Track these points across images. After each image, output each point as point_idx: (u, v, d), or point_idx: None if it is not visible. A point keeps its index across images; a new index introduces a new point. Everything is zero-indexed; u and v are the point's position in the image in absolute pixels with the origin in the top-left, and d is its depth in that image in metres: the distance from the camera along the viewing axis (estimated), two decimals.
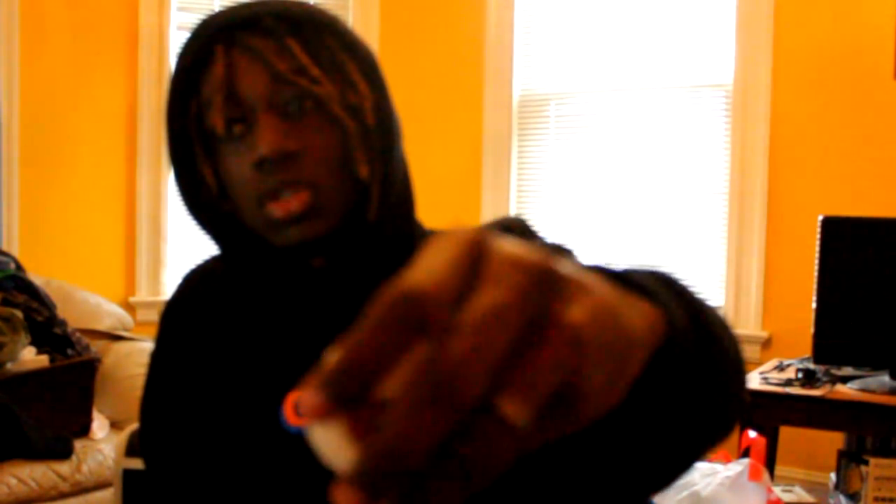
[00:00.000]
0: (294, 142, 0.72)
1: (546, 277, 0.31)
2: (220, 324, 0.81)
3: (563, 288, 0.31)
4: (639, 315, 0.37)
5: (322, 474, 0.72)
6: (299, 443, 0.72)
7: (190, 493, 0.77)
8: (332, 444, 0.31)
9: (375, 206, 0.76)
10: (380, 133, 0.76)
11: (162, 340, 0.85)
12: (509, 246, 0.31)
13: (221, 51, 0.73)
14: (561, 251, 0.76)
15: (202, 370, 0.80)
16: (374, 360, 0.29)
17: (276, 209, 0.73)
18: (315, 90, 0.73)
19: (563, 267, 0.32)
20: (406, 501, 0.29)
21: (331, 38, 0.75)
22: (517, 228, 0.82)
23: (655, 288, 0.43)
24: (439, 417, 0.28)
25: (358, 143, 0.75)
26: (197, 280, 0.87)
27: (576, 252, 0.77)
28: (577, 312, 0.31)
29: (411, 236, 0.81)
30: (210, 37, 0.74)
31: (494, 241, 0.31)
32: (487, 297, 0.29)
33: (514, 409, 0.29)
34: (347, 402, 0.30)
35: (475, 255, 0.31)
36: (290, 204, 0.72)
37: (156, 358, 0.85)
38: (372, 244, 0.77)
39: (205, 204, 0.78)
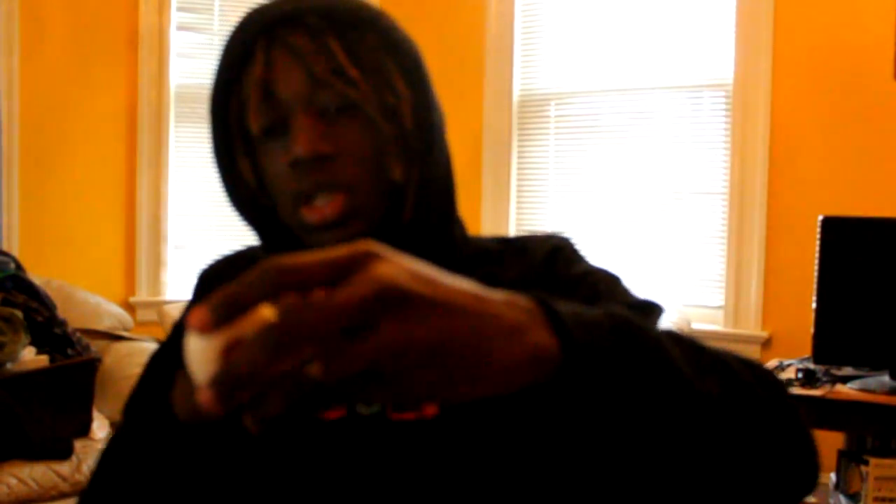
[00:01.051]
0: (329, 144, 0.72)
1: (393, 301, 0.41)
2: None
3: (407, 310, 0.41)
4: (517, 345, 0.45)
5: (325, 479, 0.72)
6: (313, 441, 0.73)
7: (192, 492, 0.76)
8: (201, 355, 0.44)
9: (410, 207, 0.76)
10: (418, 135, 0.75)
11: (174, 346, 0.84)
12: (387, 265, 0.42)
13: (262, 49, 0.73)
14: (607, 277, 0.77)
15: None
16: (247, 300, 0.41)
17: (311, 215, 0.73)
18: (351, 92, 0.72)
19: (432, 294, 0.42)
20: (239, 406, 0.41)
21: (373, 36, 0.75)
22: (564, 248, 0.81)
23: (603, 331, 0.49)
24: (268, 361, 0.40)
25: (393, 145, 0.74)
26: (215, 278, 0.87)
27: (622, 279, 0.78)
28: (393, 333, 0.41)
29: (451, 236, 0.81)
30: (252, 33, 0.74)
31: (380, 258, 0.42)
32: (335, 294, 0.40)
33: (316, 374, 0.40)
34: (222, 323, 0.42)
35: (356, 262, 0.41)
36: (324, 210, 0.72)
37: (167, 356, 0.84)
38: (407, 244, 0.77)
39: (244, 198, 0.79)
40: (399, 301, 0.41)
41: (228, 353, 0.42)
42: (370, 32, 0.75)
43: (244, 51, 0.74)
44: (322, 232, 0.73)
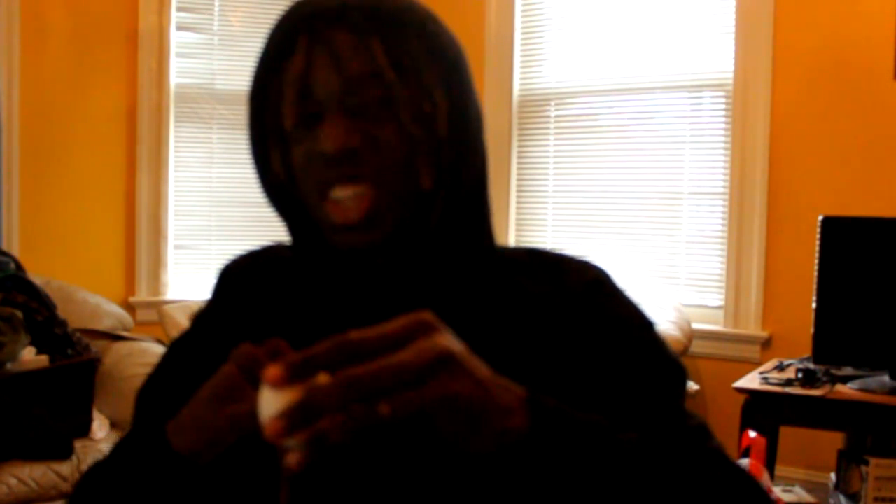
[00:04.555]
0: (357, 139, 0.71)
1: (446, 363, 0.53)
2: (270, 314, 0.81)
3: (454, 372, 0.53)
4: (500, 422, 0.56)
5: (331, 478, 0.72)
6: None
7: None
8: (273, 403, 0.50)
9: (438, 214, 0.75)
10: (452, 143, 0.74)
11: (193, 338, 0.85)
12: (443, 336, 0.54)
13: (304, 43, 0.72)
14: (642, 325, 0.78)
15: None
16: (318, 364, 0.50)
17: (336, 213, 0.72)
18: (386, 95, 0.71)
19: (453, 356, 0.53)
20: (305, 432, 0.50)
21: (417, 39, 0.73)
22: (605, 282, 0.81)
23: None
24: (343, 400, 0.49)
25: (424, 152, 0.73)
26: (236, 275, 0.86)
27: (656, 326, 0.79)
28: (444, 388, 0.52)
29: (479, 244, 0.80)
30: (296, 26, 0.73)
31: (436, 329, 0.54)
32: (396, 358, 0.51)
33: (383, 411, 0.50)
34: (293, 381, 0.50)
35: (416, 331, 0.53)
36: (349, 212, 0.71)
37: (182, 348, 0.84)
38: (434, 249, 0.76)
39: (275, 190, 0.78)
40: (451, 364, 0.53)
41: (308, 391, 0.49)
42: (415, 36, 0.73)
43: (286, 44, 0.74)
44: (345, 233, 0.73)
